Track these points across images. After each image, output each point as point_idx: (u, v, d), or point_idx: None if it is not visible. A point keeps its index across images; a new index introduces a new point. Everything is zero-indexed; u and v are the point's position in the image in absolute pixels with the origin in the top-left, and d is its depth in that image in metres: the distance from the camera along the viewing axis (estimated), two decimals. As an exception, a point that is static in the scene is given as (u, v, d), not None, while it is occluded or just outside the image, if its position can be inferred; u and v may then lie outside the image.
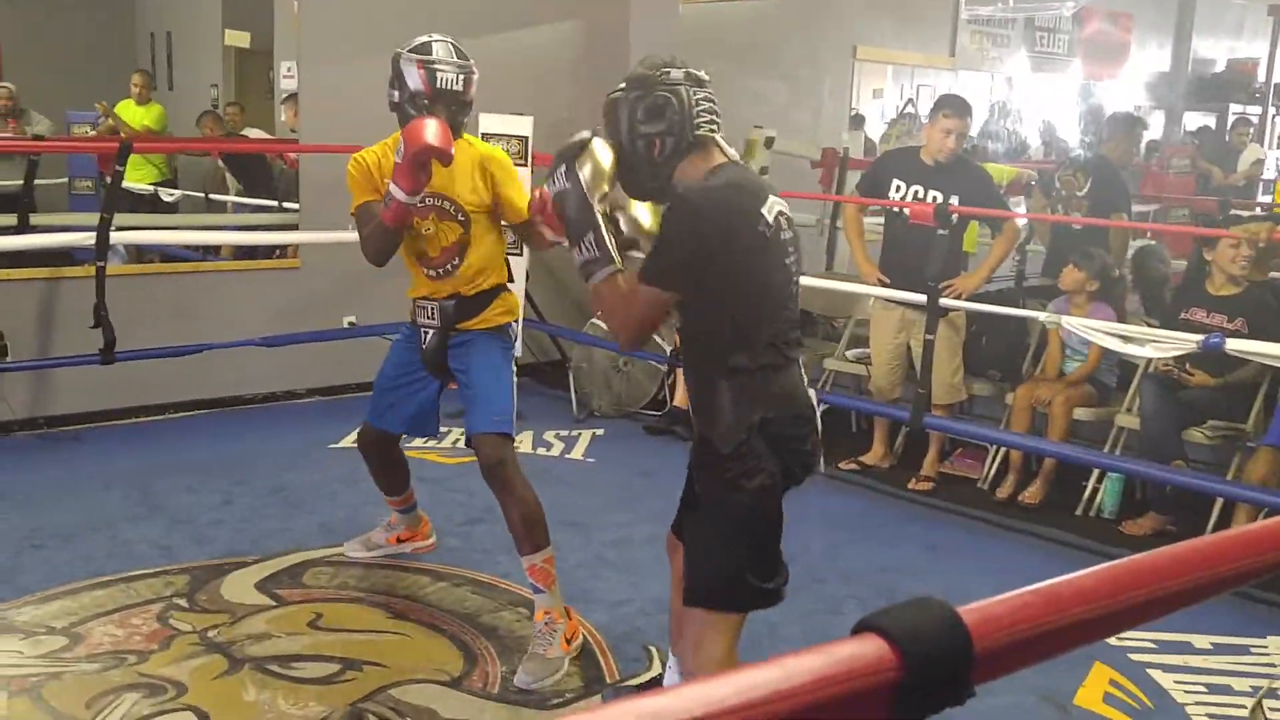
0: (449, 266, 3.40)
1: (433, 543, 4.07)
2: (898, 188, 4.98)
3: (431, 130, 3.00)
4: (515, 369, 3.52)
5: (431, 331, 3.47)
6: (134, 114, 7.03)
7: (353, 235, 5.95)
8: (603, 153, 2.39)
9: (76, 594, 3.55)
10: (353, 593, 3.68)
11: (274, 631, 3.37)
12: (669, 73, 2.38)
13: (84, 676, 3.06)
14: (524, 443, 5.50)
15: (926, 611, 0.78)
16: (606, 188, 2.39)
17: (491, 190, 3.34)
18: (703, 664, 2.39)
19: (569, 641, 3.30)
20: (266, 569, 3.81)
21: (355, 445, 5.40)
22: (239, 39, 6.50)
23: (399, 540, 4.01)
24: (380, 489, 3.89)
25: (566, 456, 5.35)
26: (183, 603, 3.52)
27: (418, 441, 5.45)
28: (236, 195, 6.96)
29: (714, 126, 2.38)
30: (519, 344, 3.53)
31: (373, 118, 6.05)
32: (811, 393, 2.45)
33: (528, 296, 6.29)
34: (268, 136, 7.03)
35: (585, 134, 2.42)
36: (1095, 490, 4.82)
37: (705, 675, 2.41)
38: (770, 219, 2.29)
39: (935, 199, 4.85)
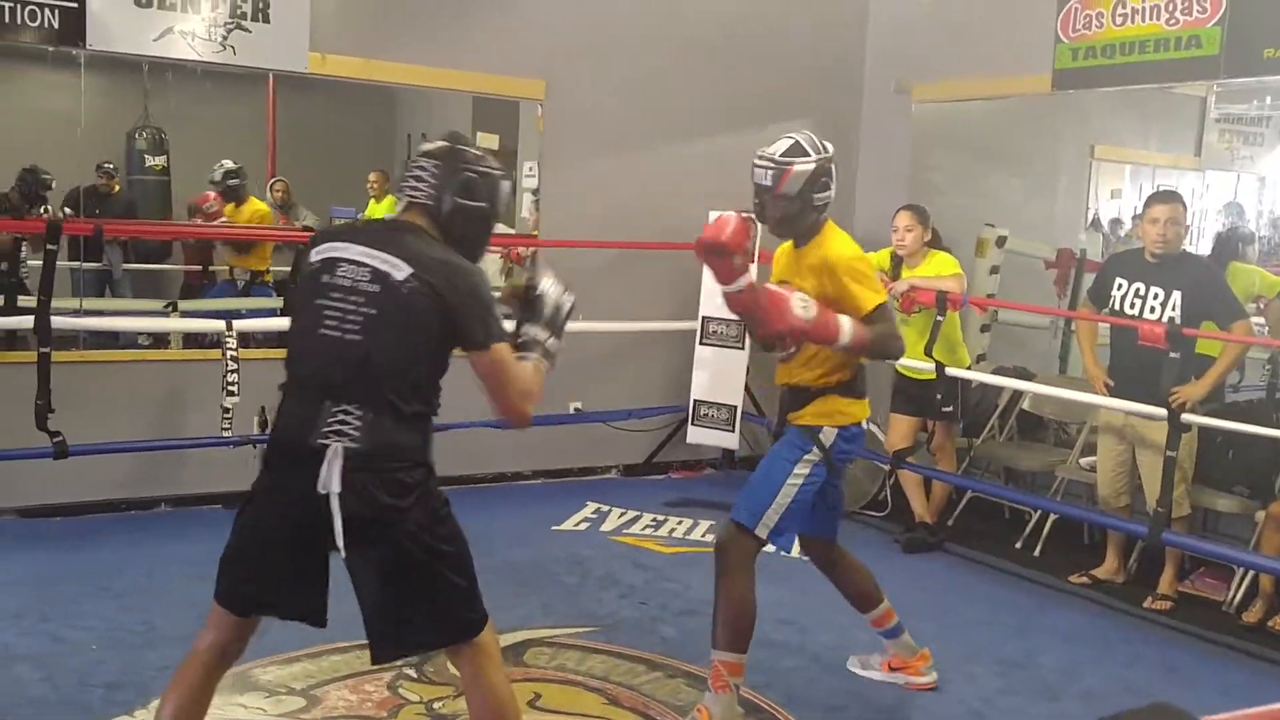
0: (788, 354, 3.40)
1: (930, 681, 3.81)
2: (1119, 286, 4.81)
3: (711, 227, 3.17)
4: (810, 474, 3.36)
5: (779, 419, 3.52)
6: (373, 210, 7.52)
7: (579, 325, 6.23)
8: None
9: (316, 658, 3.76)
10: (570, 675, 3.75)
11: (495, 708, 3.46)
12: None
13: (319, 737, 3.24)
14: (740, 536, 5.50)
15: (1167, 717, 0.76)
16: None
17: (832, 288, 3.25)
18: None
19: None
20: (490, 646, 3.93)
21: (580, 529, 5.57)
22: (489, 141, 6.90)
23: (890, 668, 3.83)
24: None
25: (783, 554, 5.29)
26: (412, 673, 3.67)
27: (635, 528, 5.56)
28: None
29: (412, 193, 2.59)
30: (825, 448, 3.37)
31: (607, 215, 6.35)
32: (338, 446, 2.38)
33: (746, 390, 6.35)
34: (511, 231, 7.39)
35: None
36: (1360, 622, 4.42)
37: None
38: (315, 259, 2.52)
39: (1156, 295, 4.66)
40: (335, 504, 2.37)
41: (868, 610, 3.72)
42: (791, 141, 3.32)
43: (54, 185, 6.51)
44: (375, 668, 3.67)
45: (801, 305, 3.11)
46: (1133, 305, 4.74)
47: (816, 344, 3.22)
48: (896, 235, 5.33)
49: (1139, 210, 8.33)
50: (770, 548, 3.44)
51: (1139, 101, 7.55)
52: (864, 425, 3.45)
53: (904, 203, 5.55)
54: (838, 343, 3.14)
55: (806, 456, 3.35)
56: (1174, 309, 4.61)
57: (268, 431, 2.56)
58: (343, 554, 2.45)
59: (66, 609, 4.12)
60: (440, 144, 2.62)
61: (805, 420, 3.38)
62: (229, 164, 7.13)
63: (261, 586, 2.53)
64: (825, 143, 3.35)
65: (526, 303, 2.70)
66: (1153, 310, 4.66)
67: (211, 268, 7.35)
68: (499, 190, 2.65)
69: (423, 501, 2.49)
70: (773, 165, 3.28)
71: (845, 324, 3.15)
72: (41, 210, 6.42)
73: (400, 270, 2.43)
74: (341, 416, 2.40)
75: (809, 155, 3.28)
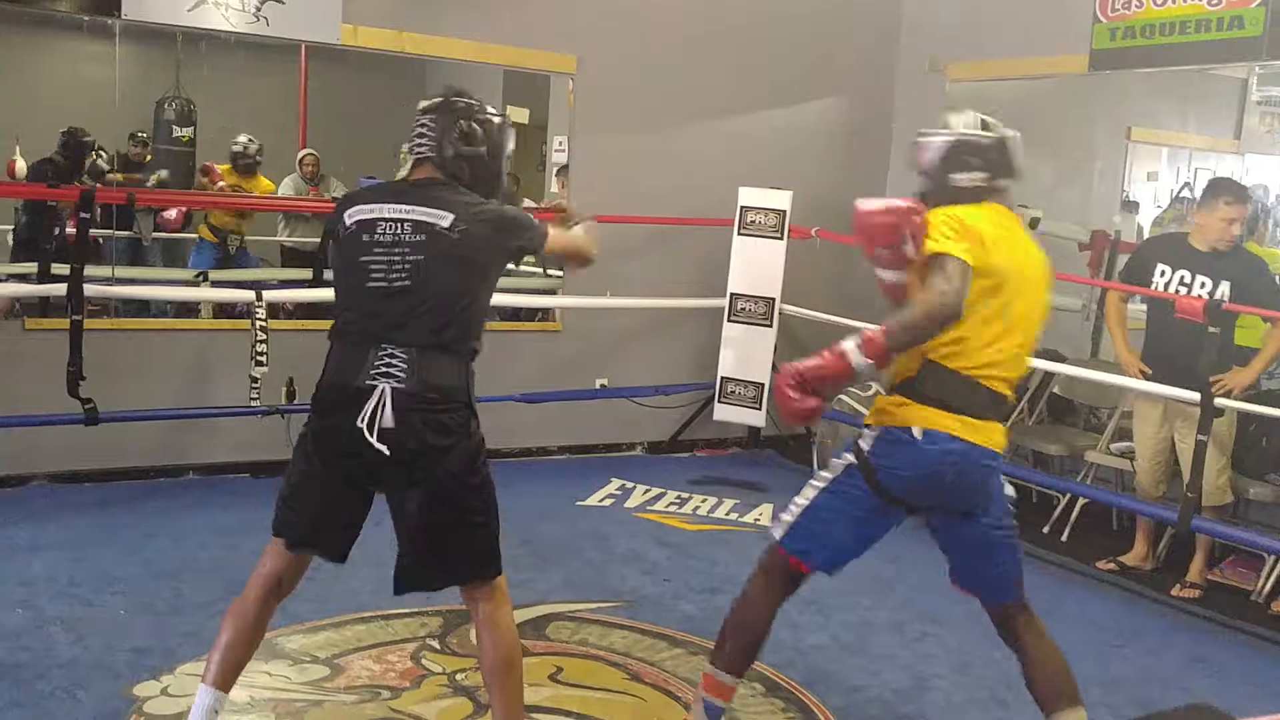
0: None
1: None
2: (1162, 273, 4.73)
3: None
4: (837, 480, 2.93)
5: None
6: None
7: (608, 301, 6.24)
8: None
9: (340, 627, 3.79)
10: (593, 650, 3.76)
11: (517, 681, 3.48)
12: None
13: (342, 707, 3.26)
14: (764, 516, 5.50)
15: (1208, 718, 0.75)
16: None
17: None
18: None
19: None
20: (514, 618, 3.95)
21: (605, 505, 5.58)
22: (519, 115, 6.89)
23: None
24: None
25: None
26: (435, 644, 3.70)
27: (660, 505, 5.57)
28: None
29: (418, 149, 2.75)
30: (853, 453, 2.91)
31: (637, 191, 6.32)
32: (386, 387, 2.56)
33: (774, 368, 6.33)
34: (536, 206, 7.39)
35: None
36: (1392, 614, 4.37)
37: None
38: (349, 223, 2.68)
39: (1203, 285, 4.60)
40: (373, 438, 2.55)
41: (1052, 712, 2.99)
42: (952, 116, 2.99)
43: (98, 146, 6.54)
44: (398, 638, 3.72)
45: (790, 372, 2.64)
46: (1177, 294, 4.66)
47: (837, 382, 2.69)
48: None
49: (1188, 195, 8.25)
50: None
51: (1177, 83, 7.45)
52: (915, 433, 2.79)
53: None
54: (855, 364, 2.61)
55: (835, 460, 2.94)
56: (1221, 300, 4.55)
57: (324, 376, 2.72)
58: (380, 485, 2.65)
59: (96, 574, 4.17)
60: (435, 99, 2.77)
61: (869, 420, 2.92)
62: (256, 141, 7.16)
63: (306, 522, 2.72)
64: (997, 124, 2.99)
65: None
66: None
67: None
68: (498, 134, 2.78)
69: (463, 443, 2.65)
70: (918, 140, 3.00)
71: (849, 345, 2.63)
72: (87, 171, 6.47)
73: (444, 219, 2.62)
74: (389, 359, 2.58)
75: (952, 129, 2.95)
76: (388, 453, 2.56)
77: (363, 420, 2.55)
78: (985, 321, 2.77)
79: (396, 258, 2.61)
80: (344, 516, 2.73)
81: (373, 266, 2.63)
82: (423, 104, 2.76)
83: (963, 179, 2.90)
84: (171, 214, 7.00)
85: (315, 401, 2.71)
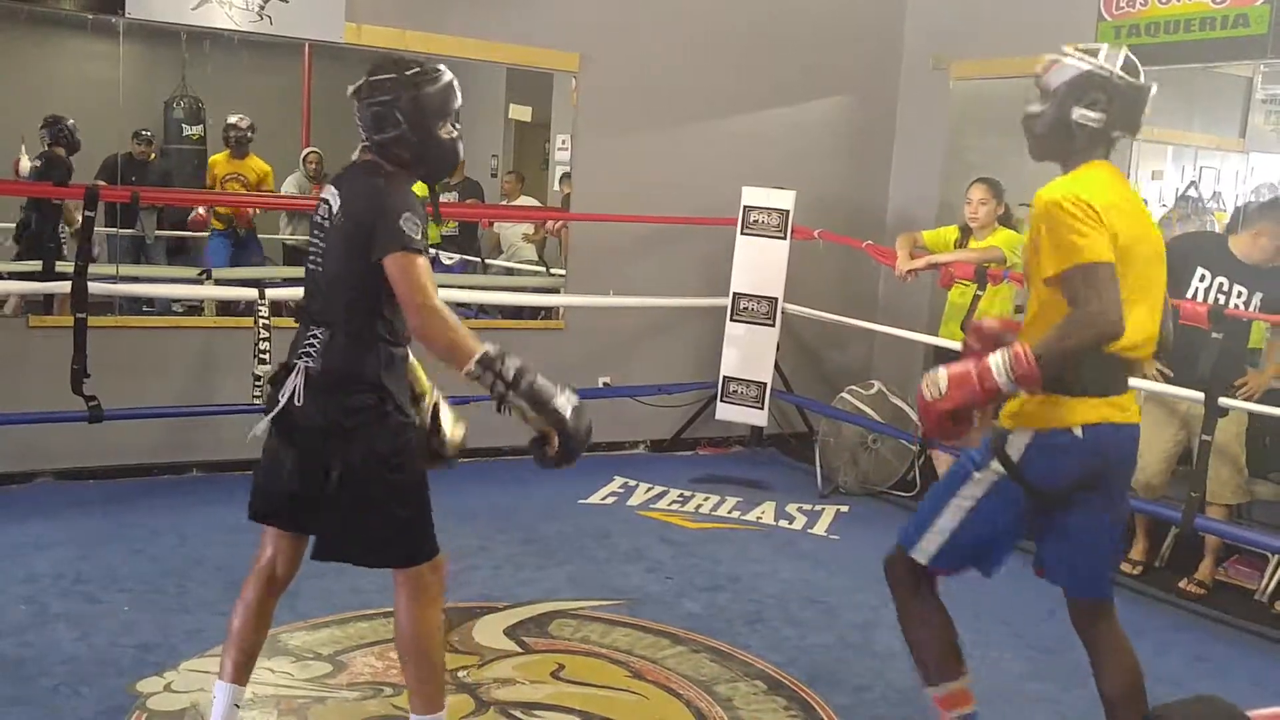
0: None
1: None
2: (1202, 277, 4.65)
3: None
4: (986, 496, 2.73)
5: None
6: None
7: (612, 300, 6.24)
8: None
9: (344, 624, 3.80)
10: (595, 647, 3.77)
11: (519, 678, 3.49)
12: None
13: (344, 704, 3.26)
14: (766, 514, 5.50)
15: (1215, 710, 0.75)
16: None
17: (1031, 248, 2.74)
18: None
19: None
20: (516, 616, 3.96)
21: (607, 503, 5.58)
22: (521, 113, 6.89)
23: None
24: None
25: (809, 531, 5.31)
26: (437, 642, 3.70)
27: (662, 504, 5.57)
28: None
29: (362, 137, 2.72)
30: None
31: (640, 190, 6.33)
32: (302, 365, 2.63)
33: (776, 367, 6.33)
34: (539, 204, 7.40)
35: None
36: (1395, 614, 4.37)
37: None
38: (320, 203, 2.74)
39: (1240, 294, 4.57)
40: (294, 414, 2.64)
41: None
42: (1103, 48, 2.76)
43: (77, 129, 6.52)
44: (402, 636, 3.72)
45: (933, 386, 2.52)
46: (1216, 301, 4.61)
47: (984, 407, 2.55)
48: (970, 207, 5.29)
49: (1194, 194, 8.23)
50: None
51: (1182, 81, 7.43)
52: (1076, 432, 2.61)
53: (938, 181, 5.52)
54: (1000, 387, 2.47)
55: (976, 475, 2.72)
56: (1255, 311, 4.56)
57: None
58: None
59: (101, 571, 4.18)
60: (356, 84, 2.69)
61: (1000, 421, 2.68)
62: (248, 118, 7.20)
63: (265, 495, 2.78)
64: (1140, 69, 2.74)
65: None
66: (1235, 309, 4.57)
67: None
68: (422, 105, 2.63)
69: (370, 427, 2.63)
70: (1057, 56, 2.76)
71: (995, 362, 2.47)
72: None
73: (336, 201, 2.66)
74: (311, 339, 2.67)
75: (1091, 57, 2.71)
76: (298, 428, 2.64)
77: (282, 394, 2.64)
78: (1125, 301, 2.58)
79: (318, 238, 2.70)
80: (300, 487, 2.70)
81: (310, 248, 2.74)
82: (349, 90, 2.70)
83: (1084, 116, 2.70)
84: (202, 211, 7.10)
85: (275, 379, 2.80)
